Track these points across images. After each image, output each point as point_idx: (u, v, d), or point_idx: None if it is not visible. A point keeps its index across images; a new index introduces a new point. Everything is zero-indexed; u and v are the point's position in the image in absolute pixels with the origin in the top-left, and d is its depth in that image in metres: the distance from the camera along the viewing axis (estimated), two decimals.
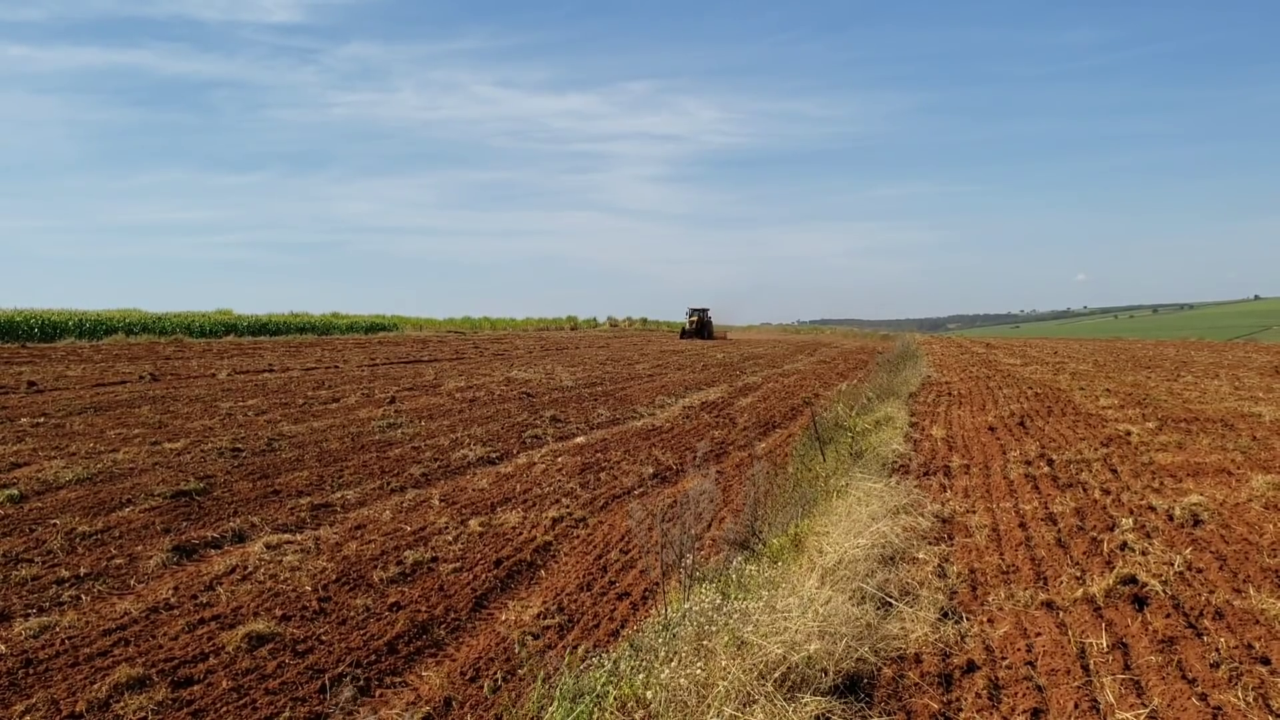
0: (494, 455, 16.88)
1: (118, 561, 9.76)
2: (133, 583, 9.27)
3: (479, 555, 10.39)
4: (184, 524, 11.31)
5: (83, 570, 9.43)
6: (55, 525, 10.98)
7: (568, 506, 12.78)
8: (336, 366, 35.85)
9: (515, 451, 17.51)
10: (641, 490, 14.19)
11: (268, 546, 10.28)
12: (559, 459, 16.44)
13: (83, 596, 8.78)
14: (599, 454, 17.11)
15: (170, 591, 8.93)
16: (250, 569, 9.61)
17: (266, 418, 20.52)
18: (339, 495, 13.03)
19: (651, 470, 15.83)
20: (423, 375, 32.72)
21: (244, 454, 16.01)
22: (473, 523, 11.67)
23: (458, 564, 10.05)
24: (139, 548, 10.29)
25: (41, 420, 19.21)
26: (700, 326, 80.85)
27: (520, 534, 11.33)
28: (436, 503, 13.08)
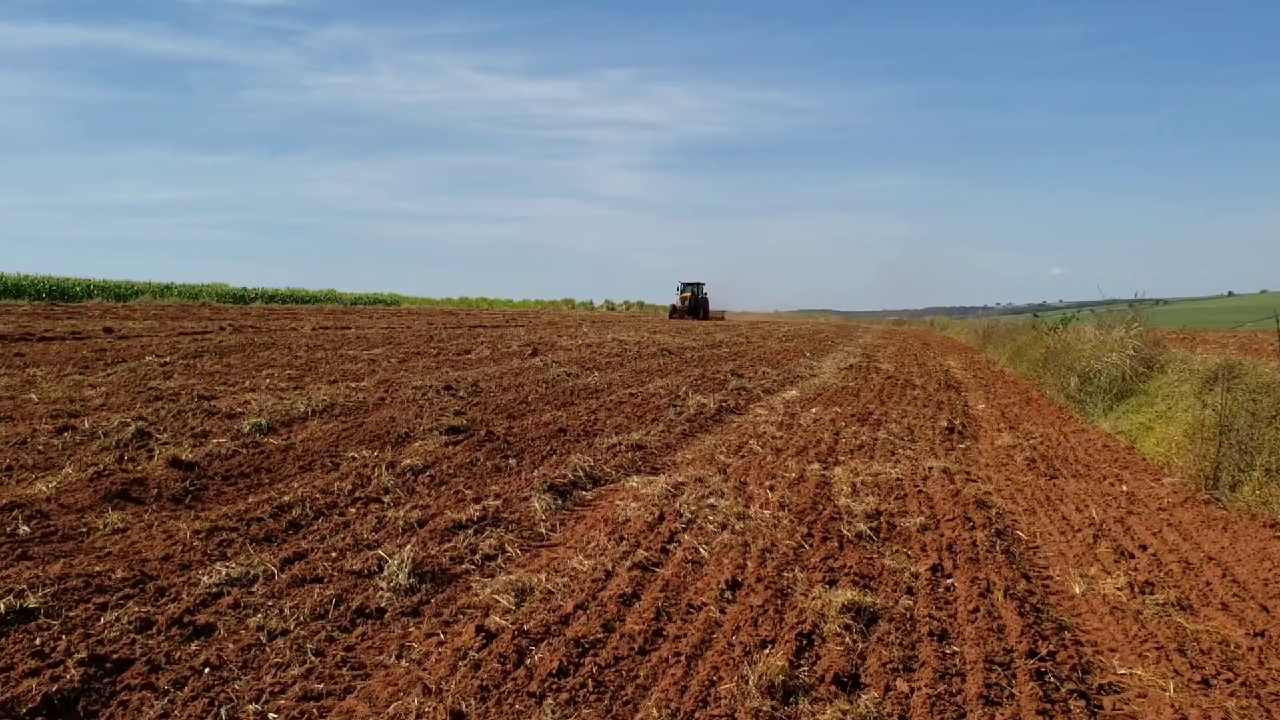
0: (728, 405, 14.25)
1: (508, 502, 7.05)
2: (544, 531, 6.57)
3: (949, 509, 7.82)
4: (510, 462, 8.61)
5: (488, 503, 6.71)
6: (355, 459, 8.21)
7: (916, 457, 10.22)
8: (409, 326, 32.95)
9: (744, 404, 14.86)
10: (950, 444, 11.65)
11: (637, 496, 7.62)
12: (810, 410, 13.89)
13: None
14: (835, 407, 14.57)
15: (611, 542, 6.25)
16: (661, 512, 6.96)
17: (413, 365, 17.73)
18: (637, 437, 10.40)
19: (945, 424, 13.29)
20: (513, 335, 29.89)
21: (460, 394, 13.24)
22: (840, 472, 9.10)
23: (925, 517, 7.51)
24: (495, 486, 7.61)
25: (168, 360, 16.30)
26: (694, 305, 65.69)
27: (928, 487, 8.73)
28: (758, 447, 10.43)
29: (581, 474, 8.32)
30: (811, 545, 6.64)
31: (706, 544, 6.37)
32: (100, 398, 11.30)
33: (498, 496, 7.30)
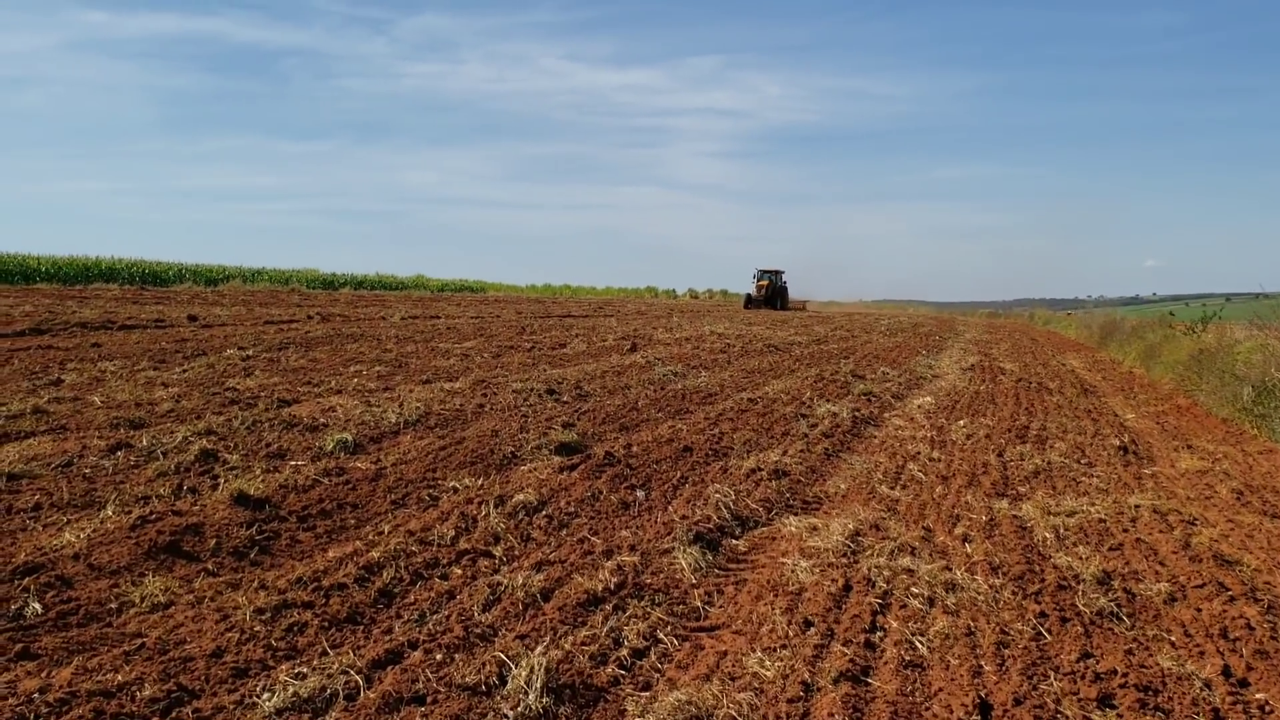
0: (861, 415, 12.55)
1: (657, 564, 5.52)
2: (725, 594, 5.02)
3: (1187, 568, 6.09)
4: (637, 494, 7.10)
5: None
6: (456, 491, 6.75)
7: (1106, 488, 8.47)
8: (498, 316, 31.78)
9: (877, 413, 13.15)
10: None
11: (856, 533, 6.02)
12: (956, 422, 12.14)
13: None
14: (981, 418, 12.75)
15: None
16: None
17: (508, 362, 16.33)
18: (775, 458, 8.82)
19: (1116, 442, 11.49)
20: (606, 327, 28.47)
21: (564, 399, 11.79)
22: (1030, 510, 7.38)
23: (1166, 582, 5.76)
24: (625, 531, 6.06)
25: (250, 354, 15.15)
26: (772, 294, 60.55)
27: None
28: (919, 474, 8.79)
29: (725, 512, 6.78)
30: (1052, 631, 5.01)
31: (921, 633, 4.77)
32: (170, 400, 10.10)
33: (633, 549, 5.79)
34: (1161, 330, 28.60)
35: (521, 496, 6.54)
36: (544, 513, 6.42)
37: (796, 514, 7.21)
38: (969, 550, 6.40)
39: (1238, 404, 14.77)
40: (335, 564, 5.12)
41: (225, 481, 6.51)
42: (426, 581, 5.02)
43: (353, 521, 6.05)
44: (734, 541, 6.34)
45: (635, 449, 8.75)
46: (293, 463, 7.32)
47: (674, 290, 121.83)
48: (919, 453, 10.14)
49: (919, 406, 14.11)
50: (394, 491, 6.69)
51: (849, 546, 6.09)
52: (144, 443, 7.59)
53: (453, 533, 5.80)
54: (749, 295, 61.10)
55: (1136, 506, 8.16)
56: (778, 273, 62.86)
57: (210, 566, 5.00)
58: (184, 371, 12.75)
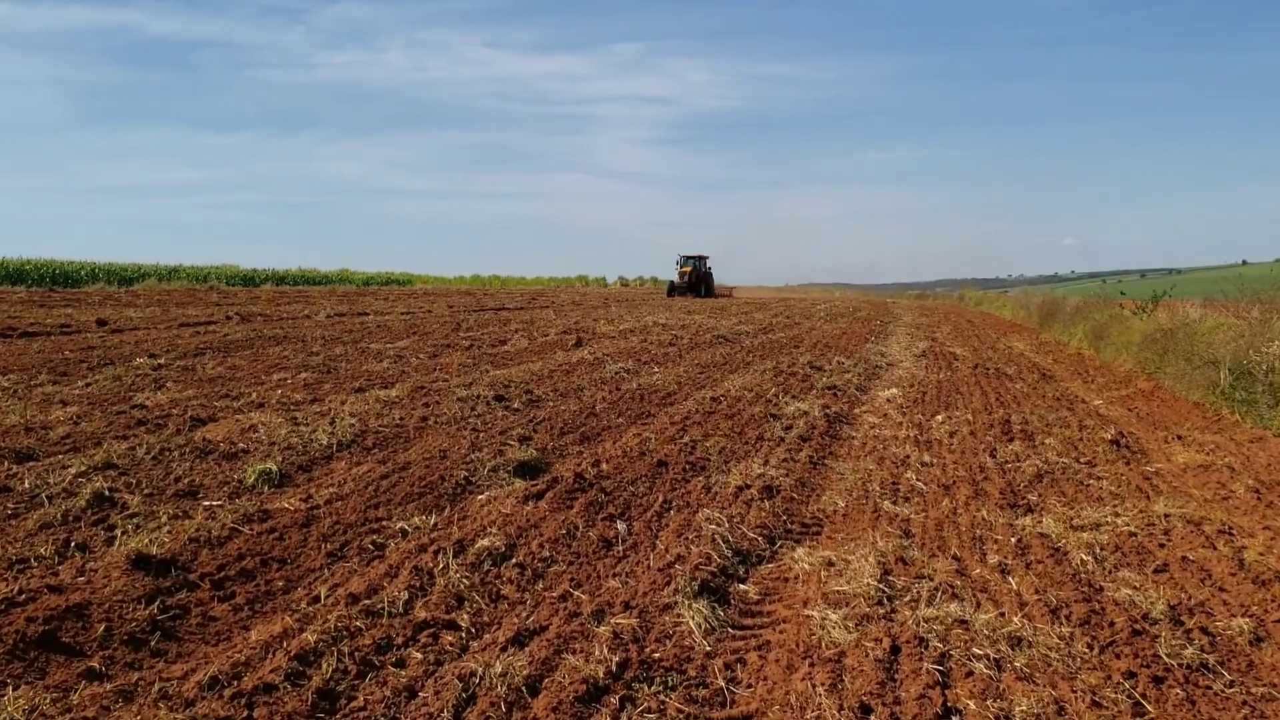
0: (832, 412, 11.69)
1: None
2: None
3: (1253, 595, 5.22)
4: (618, 526, 6.05)
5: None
6: (404, 534, 5.63)
7: (1119, 493, 7.65)
8: (429, 310, 30.44)
9: (847, 409, 12.29)
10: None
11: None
12: (934, 418, 11.34)
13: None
14: (955, 411, 12.00)
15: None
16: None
17: (447, 363, 15.16)
18: (759, 470, 7.85)
19: (1108, 435, 10.77)
20: (545, 320, 27.33)
21: (515, 405, 10.68)
22: (1052, 525, 6.52)
23: (1242, 616, 4.89)
24: (613, 580, 5.02)
25: (163, 362, 13.76)
26: (697, 280, 58.52)
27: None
28: (918, 483, 7.93)
29: (724, 547, 5.76)
30: (1150, 699, 4.08)
31: (1006, 716, 3.79)
32: (67, 423, 8.79)
33: (628, 606, 4.74)
34: (1108, 310, 28.19)
35: (485, 541, 5.44)
36: (514, 560, 5.34)
37: (801, 542, 6.24)
38: (1014, 585, 5.47)
39: (1215, 389, 14.19)
40: (260, 652, 3.98)
41: (123, 535, 5.31)
42: (378, 673, 3.91)
43: (280, 584, 4.90)
44: (742, 586, 5.33)
45: (605, 466, 7.70)
46: (206, 503, 6.13)
47: (605, 278, 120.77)
48: (908, 457, 9.26)
49: (887, 399, 13.28)
50: (329, 540, 5.54)
51: (882, 591, 5.11)
52: (27, 484, 6.33)
53: (405, 596, 4.69)
54: (672, 283, 58.98)
55: (1166, 516, 7.35)
56: (702, 258, 60.75)
57: (97, 664, 3.83)
58: (87, 385, 11.38)
